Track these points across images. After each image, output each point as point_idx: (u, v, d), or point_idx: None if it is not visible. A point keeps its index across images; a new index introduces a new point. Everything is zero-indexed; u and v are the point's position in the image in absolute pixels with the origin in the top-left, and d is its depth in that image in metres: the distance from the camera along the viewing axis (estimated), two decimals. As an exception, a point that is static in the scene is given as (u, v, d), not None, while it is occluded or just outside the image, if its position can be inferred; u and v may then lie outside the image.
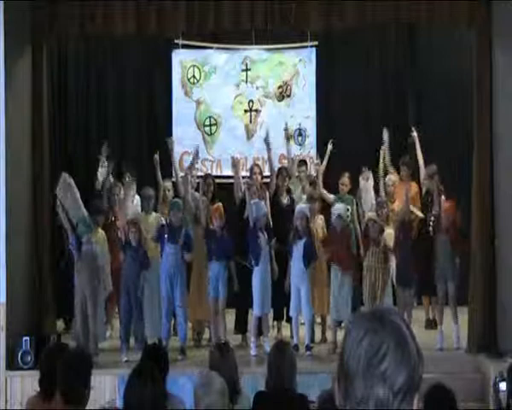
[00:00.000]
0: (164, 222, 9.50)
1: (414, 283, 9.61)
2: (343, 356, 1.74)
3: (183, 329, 9.27)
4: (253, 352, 9.15)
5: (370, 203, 9.91)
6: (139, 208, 10.38)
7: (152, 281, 9.41)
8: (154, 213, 9.86)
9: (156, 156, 10.31)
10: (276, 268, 9.53)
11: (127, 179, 10.44)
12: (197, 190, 10.17)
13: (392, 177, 10.46)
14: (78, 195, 9.15)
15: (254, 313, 9.32)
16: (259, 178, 10.31)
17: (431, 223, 9.69)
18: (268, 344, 8.81)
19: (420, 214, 9.82)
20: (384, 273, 9.22)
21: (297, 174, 10.77)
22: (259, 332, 9.47)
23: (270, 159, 10.58)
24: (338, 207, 9.66)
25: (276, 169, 10.50)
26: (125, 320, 9.15)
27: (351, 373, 1.70)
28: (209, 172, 11.37)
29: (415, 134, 10.49)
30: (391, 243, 9.38)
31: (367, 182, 10.09)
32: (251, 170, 10.51)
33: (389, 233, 9.46)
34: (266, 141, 10.48)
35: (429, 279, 9.54)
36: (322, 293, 9.61)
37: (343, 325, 9.45)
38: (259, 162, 11.29)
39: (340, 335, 9.13)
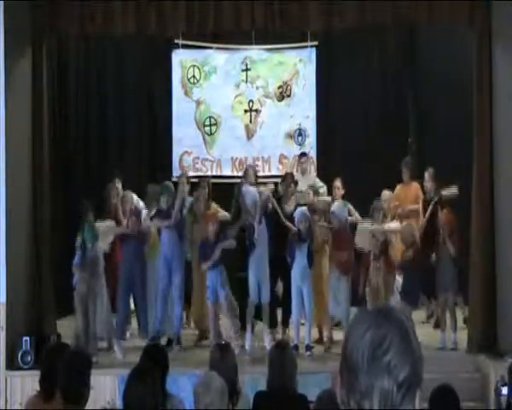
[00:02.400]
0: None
1: (418, 302, 9.71)
2: (346, 350, 1.74)
3: (179, 318, 9.31)
4: (247, 346, 9.13)
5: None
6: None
7: (153, 273, 9.50)
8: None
9: None
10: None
11: (117, 183, 10.39)
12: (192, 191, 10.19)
13: (387, 192, 10.40)
14: None
15: (250, 299, 9.30)
16: (253, 180, 10.19)
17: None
18: (268, 338, 8.89)
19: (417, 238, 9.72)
20: (387, 286, 9.24)
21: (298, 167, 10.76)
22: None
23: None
24: (335, 205, 9.68)
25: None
26: (122, 315, 9.24)
27: (355, 366, 1.71)
28: (208, 173, 11.34)
29: (410, 140, 10.42)
30: (393, 236, 9.37)
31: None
32: (245, 171, 10.43)
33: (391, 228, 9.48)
34: None
35: (429, 279, 9.54)
36: (321, 298, 9.59)
37: (342, 325, 9.45)
38: (259, 162, 11.29)
39: (337, 334, 9.17)
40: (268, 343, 8.94)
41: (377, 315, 1.76)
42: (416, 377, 1.71)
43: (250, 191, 9.44)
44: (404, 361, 1.70)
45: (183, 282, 9.38)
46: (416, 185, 10.53)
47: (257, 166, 10.76)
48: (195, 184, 10.36)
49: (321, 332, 9.89)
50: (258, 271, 9.25)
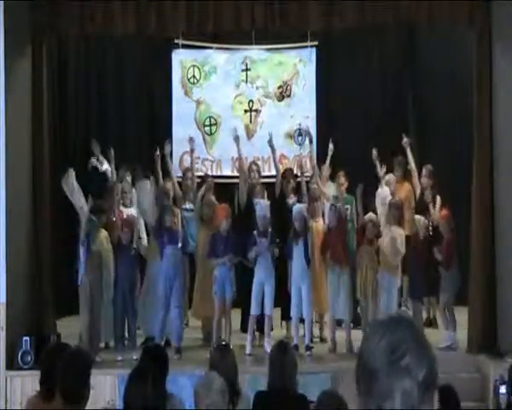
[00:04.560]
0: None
1: (424, 297, 9.77)
2: (362, 358, 1.77)
3: (179, 330, 9.30)
4: (247, 351, 9.16)
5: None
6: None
7: (149, 281, 9.46)
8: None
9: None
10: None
11: (126, 179, 10.45)
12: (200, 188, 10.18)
13: (393, 175, 10.47)
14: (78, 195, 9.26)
15: (251, 312, 9.33)
16: (257, 176, 10.28)
17: (430, 225, 9.68)
18: (269, 344, 8.84)
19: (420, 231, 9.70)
20: (375, 273, 9.25)
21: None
22: (261, 332, 9.48)
23: (274, 161, 10.55)
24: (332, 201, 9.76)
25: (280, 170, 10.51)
26: (120, 320, 9.20)
27: (374, 371, 1.73)
28: (209, 172, 11.35)
29: (406, 140, 10.34)
30: (402, 242, 9.38)
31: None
32: (249, 169, 10.51)
33: (400, 234, 9.47)
34: (270, 144, 10.47)
35: (428, 279, 9.54)
36: (320, 292, 9.60)
37: (343, 325, 9.46)
38: (259, 162, 11.29)
39: (339, 334, 9.17)
40: (269, 349, 8.93)
41: (389, 323, 1.80)
42: (433, 376, 1.76)
43: (261, 205, 9.46)
44: (421, 362, 1.74)
45: (183, 292, 9.38)
46: (407, 185, 10.53)
47: (256, 163, 10.75)
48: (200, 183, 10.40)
49: (322, 330, 9.92)
50: (261, 284, 9.25)
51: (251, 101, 12.01)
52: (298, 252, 9.27)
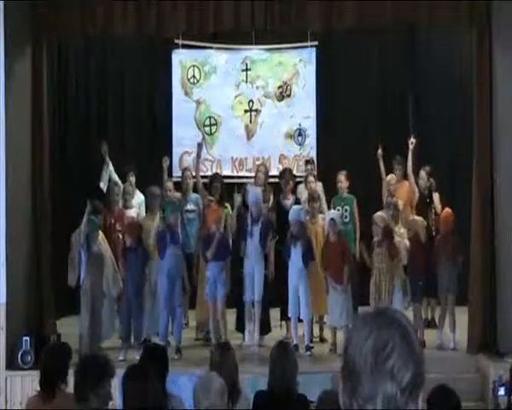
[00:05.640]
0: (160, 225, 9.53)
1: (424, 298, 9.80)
2: (348, 355, 1.73)
3: (180, 329, 9.31)
4: (247, 341, 9.17)
5: None
6: (142, 208, 10.41)
7: (152, 281, 9.47)
8: (159, 215, 9.86)
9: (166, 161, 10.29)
10: (272, 270, 9.54)
11: (130, 179, 10.47)
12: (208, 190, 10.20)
13: (394, 176, 10.46)
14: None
15: (245, 297, 9.37)
16: (263, 178, 10.25)
17: (432, 225, 9.68)
18: (258, 334, 8.94)
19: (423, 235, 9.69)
20: (390, 274, 9.22)
21: (304, 173, 10.74)
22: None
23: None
24: (331, 212, 9.70)
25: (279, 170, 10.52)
26: (127, 321, 9.20)
27: (358, 371, 1.70)
28: (208, 173, 11.34)
29: (412, 141, 10.29)
30: (402, 240, 9.38)
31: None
32: (256, 170, 10.49)
33: (401, 233, 9.47)
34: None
35: (428, 281, 9.53)
36: (319, 293, 9.59)
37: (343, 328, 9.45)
38: (259, 163, 11.28)
39: (340, 335, 9.16)
40: (251, 341, 9.00)
41: (377, 318, 1.75)
42: (419, 378, 1.71)
43: (253, 190, 9.48)
44: (406, 364, 1.69)
45: (181, 292, 9.38)
46: (407, 184, 10.52)
47: (263, 165, 10.75)
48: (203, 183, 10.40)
49: (321, 329, 9.92)
50: (251, 270, 9.29)
51: (251, 101, 12.01)
52: (296, 254, 9.25)
